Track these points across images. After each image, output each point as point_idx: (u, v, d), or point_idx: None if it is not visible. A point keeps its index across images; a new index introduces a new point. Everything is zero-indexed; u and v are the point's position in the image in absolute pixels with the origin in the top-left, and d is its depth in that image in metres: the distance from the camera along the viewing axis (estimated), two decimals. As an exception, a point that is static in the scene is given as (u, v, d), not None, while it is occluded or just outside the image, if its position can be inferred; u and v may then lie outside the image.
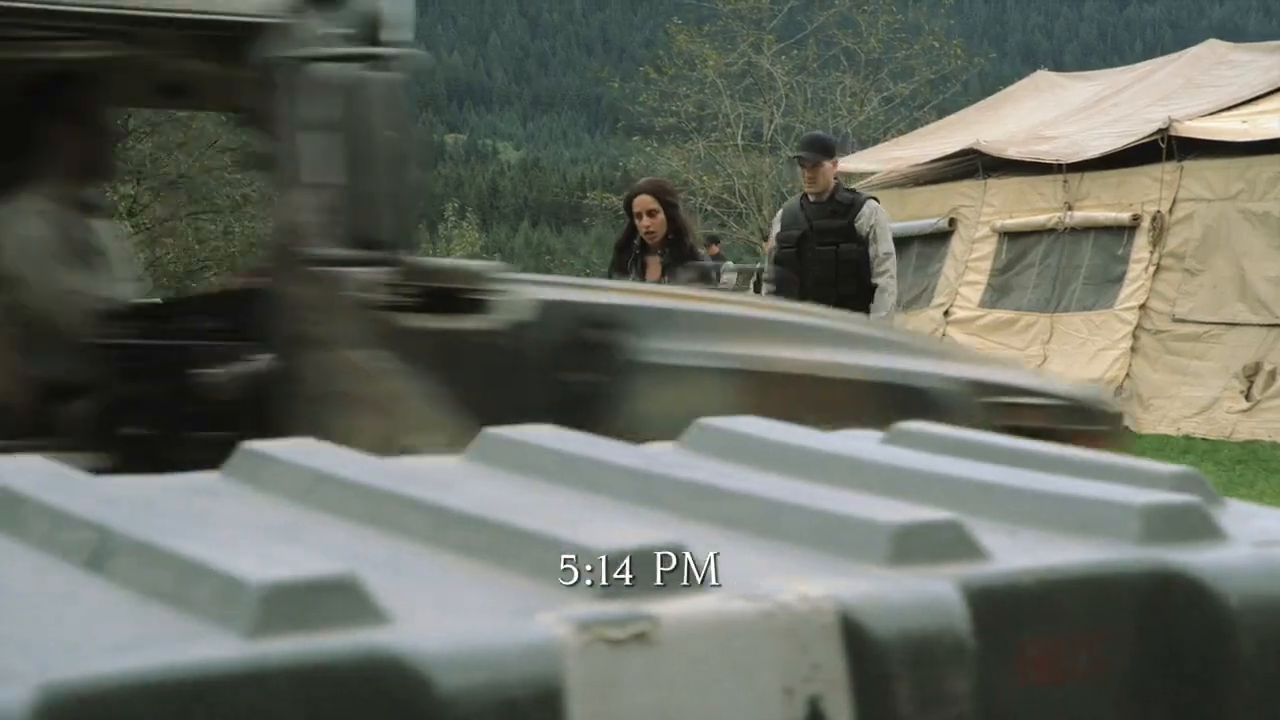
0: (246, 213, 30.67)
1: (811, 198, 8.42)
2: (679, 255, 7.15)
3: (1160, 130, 14.69)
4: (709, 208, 25.90)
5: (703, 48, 26.80)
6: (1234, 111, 15.08)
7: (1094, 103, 17.56)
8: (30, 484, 1.23)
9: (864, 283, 8.20)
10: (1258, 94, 15.36)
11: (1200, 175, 14.51)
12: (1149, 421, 14.24)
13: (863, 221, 8.23)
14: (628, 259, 7.28)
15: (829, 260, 8.25)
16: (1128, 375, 14.57)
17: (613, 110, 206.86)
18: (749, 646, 1.10)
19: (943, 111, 24.72)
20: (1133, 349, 14.58)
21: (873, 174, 18.73)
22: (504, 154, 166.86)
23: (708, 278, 7.48)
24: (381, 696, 0.92)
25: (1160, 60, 18.67)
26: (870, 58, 25.81)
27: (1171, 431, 14.00)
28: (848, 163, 20.00)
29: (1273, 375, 13.57)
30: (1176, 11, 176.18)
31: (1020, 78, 26.12)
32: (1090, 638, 1.25)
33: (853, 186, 8.60)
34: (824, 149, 8.56)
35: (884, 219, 8.45)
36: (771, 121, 25.89)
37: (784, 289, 8.29)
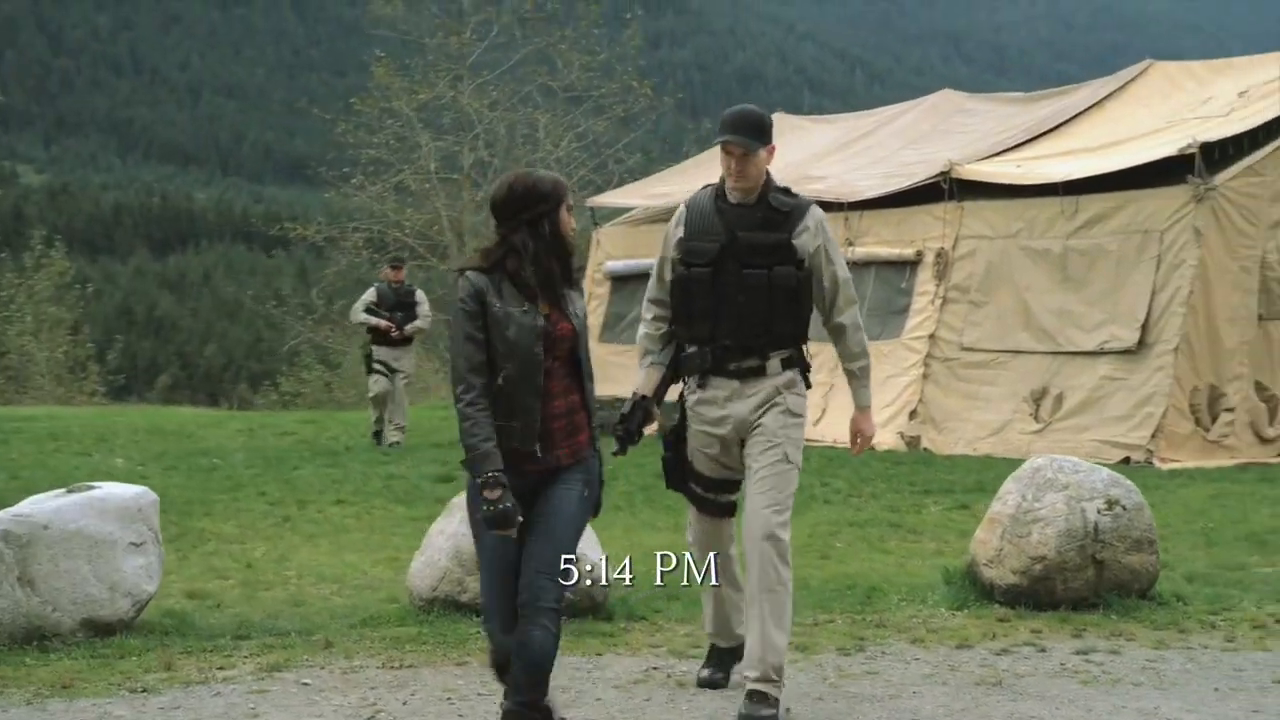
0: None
1: (734, 198, 6.03)
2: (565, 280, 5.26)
3: (943, 172, 15.84)
4: (411, 242, 25.93)
5: (394, 81, 26.77)
6: (1004, 156, 16.40)
7: (843, 145, 18.68)
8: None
9: (801, 320, 6.09)
10: (1020, 141, 16.73)
11: (980, 215, 15.75)
12: (945, 443, 15.33)
13: (806, 238, 5.99)
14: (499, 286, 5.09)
15: (759, 289, 5.96)
16: (921, 400, 15.62)
17: (146, 134, 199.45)
18: None
19: (635, 149, 25.59)
20: (924, 376, 15.63)
21: (632, 209, 19.29)
22: (25, 178, 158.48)
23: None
24: None
25: (899, 107, 20.01)
26: (569, 95, 26.40)
27: (968, 451, 15.12)
28: (606, 198, 20.54)
29: (1059, 399, 14.87)
30: (704, 55, 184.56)
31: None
32: None
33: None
34: (758, 131, 6.01)
35: (832, 234, 6.21)
36: (472, 153, 26.11)
37: (690, 320, 6.12)
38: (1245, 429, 14.45)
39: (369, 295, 16.91)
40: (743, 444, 6.11)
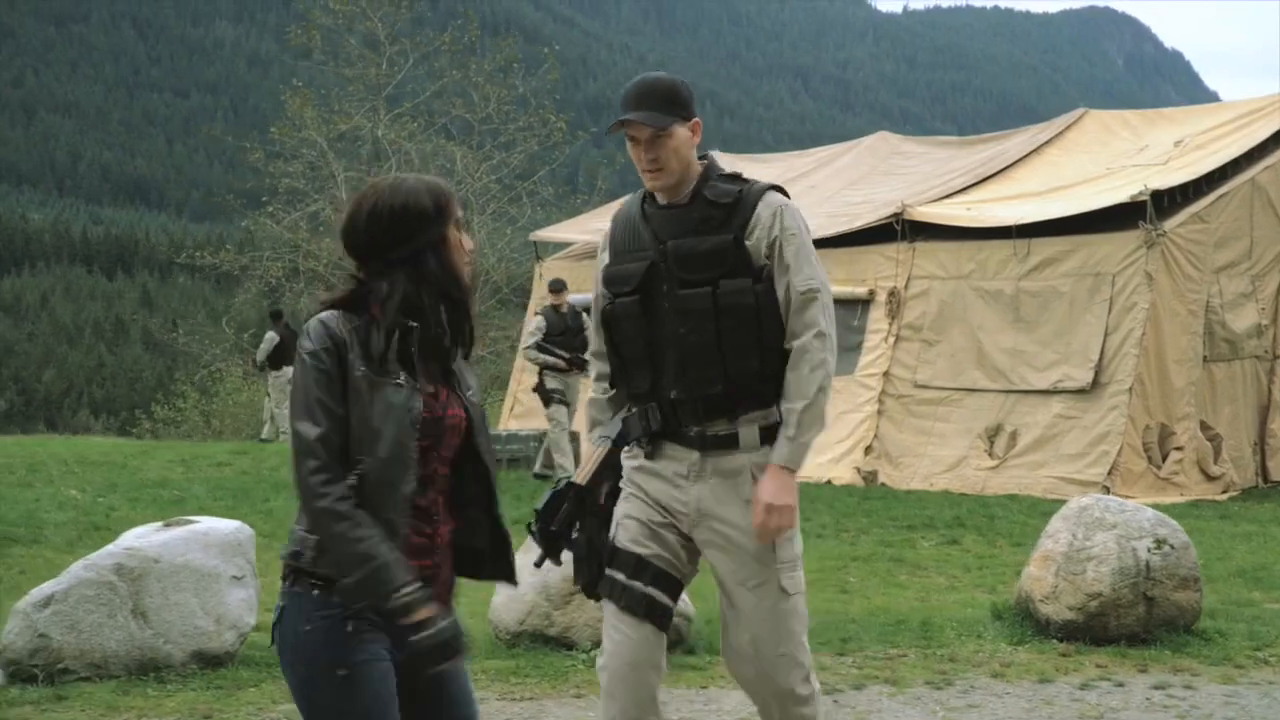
0: None
1: (661, 199, 4.42)
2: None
3: (895, 214, 16.23)
4: (324, 272, 25.78)
5: (303, 112, 26.59)
6: (952, 199, 16.84)
7: (784, 184, 18.96)
8: None
9: (769, 352, 4.34)
10: (965, 184, 17.20)
11: (933, 255, 16.15)
12: (901, 478, 15.67)
13: (760, 234, 4.31)
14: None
15: (702, 314, 4.31)
16: (876, 436, 15.95)
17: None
18: None
19: (552, 182, 25.69)
20: (879, 412, 15.98)
21: (573, 244, 19.41)
22: None
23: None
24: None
25: (837, 148, 20.41)
26: (486, 128, 26.51)
27: (925, 487, 15.48)
28: (547, 232, 20.62)
29: (1014, 436, 15.30)
30: (555, 84, 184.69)
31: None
32: None
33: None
34: (669, 102, 4.32)
35: (800, 225, 4.39)
36: (387, 185, 25.91)
37: (625, 371, 4.47)
38: (1193, 467, 15.00)
39: (536, 325, 15.66)
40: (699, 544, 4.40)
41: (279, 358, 22.31)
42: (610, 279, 4.45)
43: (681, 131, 4.30)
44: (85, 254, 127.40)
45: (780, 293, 4.31)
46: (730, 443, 4.32)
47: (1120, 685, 7.42)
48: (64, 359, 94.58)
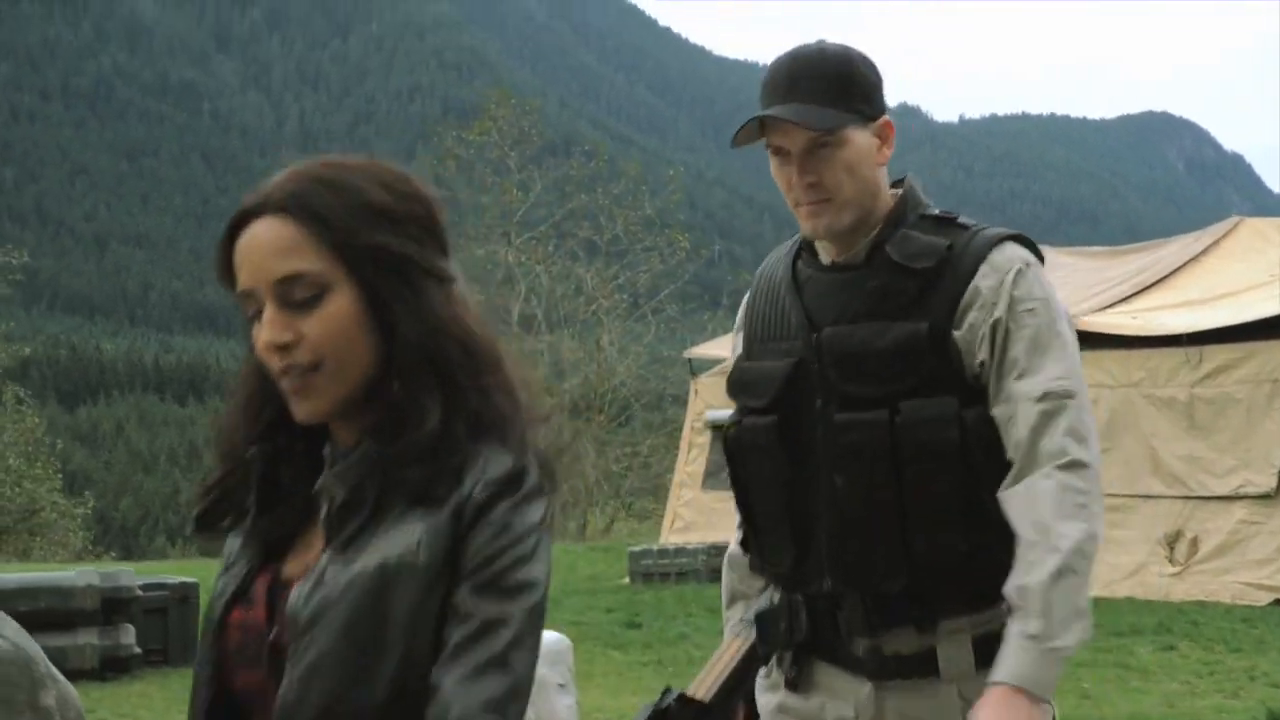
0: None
1: (825, 253, 2.69)
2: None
3: (1061, 324, 16.39)
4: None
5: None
6: (1115, 309, 17.01)
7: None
8: None
9: (987, 521, 2.52)
10: (1126, 294, 17.37)
11: (1100, 364, 16.25)
12: (1080, 586, 15.66)
13: (977, 316, 2.55)
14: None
15: (872, 455, 2.54)
16: (1051, 544, 15.98)
17: (52, 284, 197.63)
18: None
19: (682, 299, 26.04)
20: (1053, 520, 16.01)
21: (726, 360, 19.67)
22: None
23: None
24: None
25: (985, 260, 20.62)
26: (615, 249, 27.03)
27: (1106, 594, 15.47)
28: (703, 349, 20.86)
29: (1195, 542, 15.31)
30: (614, 201, 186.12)
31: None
32: None
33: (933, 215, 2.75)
34: (841, 91, 2.58)
35: (1046, 295, 2.63)
36: (516, 306, 26.55)
37: (754, 529, 2.73)
38: (1378, 571, 14.95)
39: None
40: None
41: None
42: (739, 385, 2.72)
43: (860, 138, 2.61)
44: (158, 382, 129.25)
45: (1000, 407, 2.55)
46: (924, 667, 2.60)
47: None
48: (140, 486, 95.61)
